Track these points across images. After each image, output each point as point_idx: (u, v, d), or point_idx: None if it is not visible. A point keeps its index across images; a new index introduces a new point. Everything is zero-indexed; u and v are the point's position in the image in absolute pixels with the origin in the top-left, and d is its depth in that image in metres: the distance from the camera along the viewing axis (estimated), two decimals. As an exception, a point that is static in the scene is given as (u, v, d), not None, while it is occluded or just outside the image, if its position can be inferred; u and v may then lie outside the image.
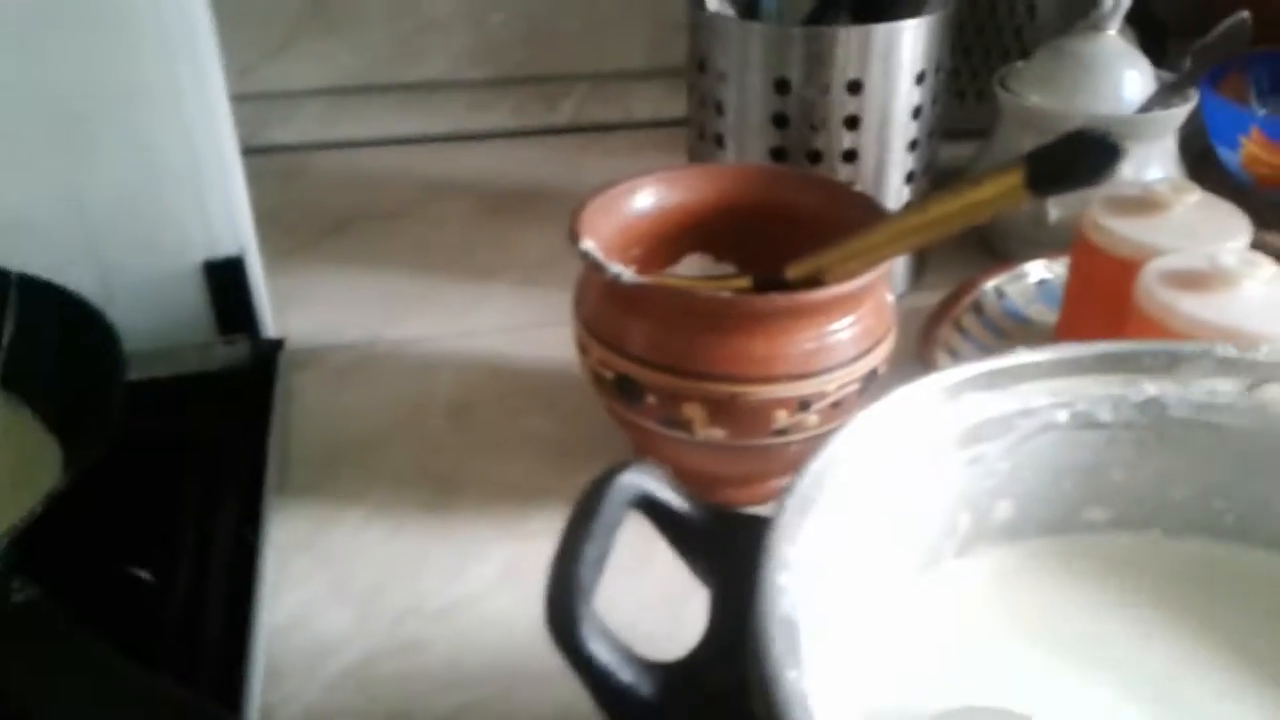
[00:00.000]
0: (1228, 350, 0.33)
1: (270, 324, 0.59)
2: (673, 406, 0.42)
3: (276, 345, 0.58)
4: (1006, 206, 0.35)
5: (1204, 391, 0.33)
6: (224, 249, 0.55)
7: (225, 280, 0.56)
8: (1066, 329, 0.53)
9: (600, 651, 0.23)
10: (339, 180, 0.79)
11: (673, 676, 0.24)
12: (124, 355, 0.44)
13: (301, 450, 0.51)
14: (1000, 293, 0.58)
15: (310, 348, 0.59)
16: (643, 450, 0.47)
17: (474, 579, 0.44)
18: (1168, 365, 0.33)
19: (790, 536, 0.26)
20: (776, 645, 0.23)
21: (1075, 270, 0.52)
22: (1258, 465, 0.33)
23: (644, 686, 0.24)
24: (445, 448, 0.51)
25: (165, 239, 0.54)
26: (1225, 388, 0.33)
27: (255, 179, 0.55)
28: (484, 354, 0.58)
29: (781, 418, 0.42)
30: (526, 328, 0.60)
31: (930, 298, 0.59)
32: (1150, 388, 0.33)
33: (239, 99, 0.53)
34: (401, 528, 0.47)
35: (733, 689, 0.24)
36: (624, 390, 0.44)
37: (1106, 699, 0.30)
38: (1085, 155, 0.32)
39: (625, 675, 0.24)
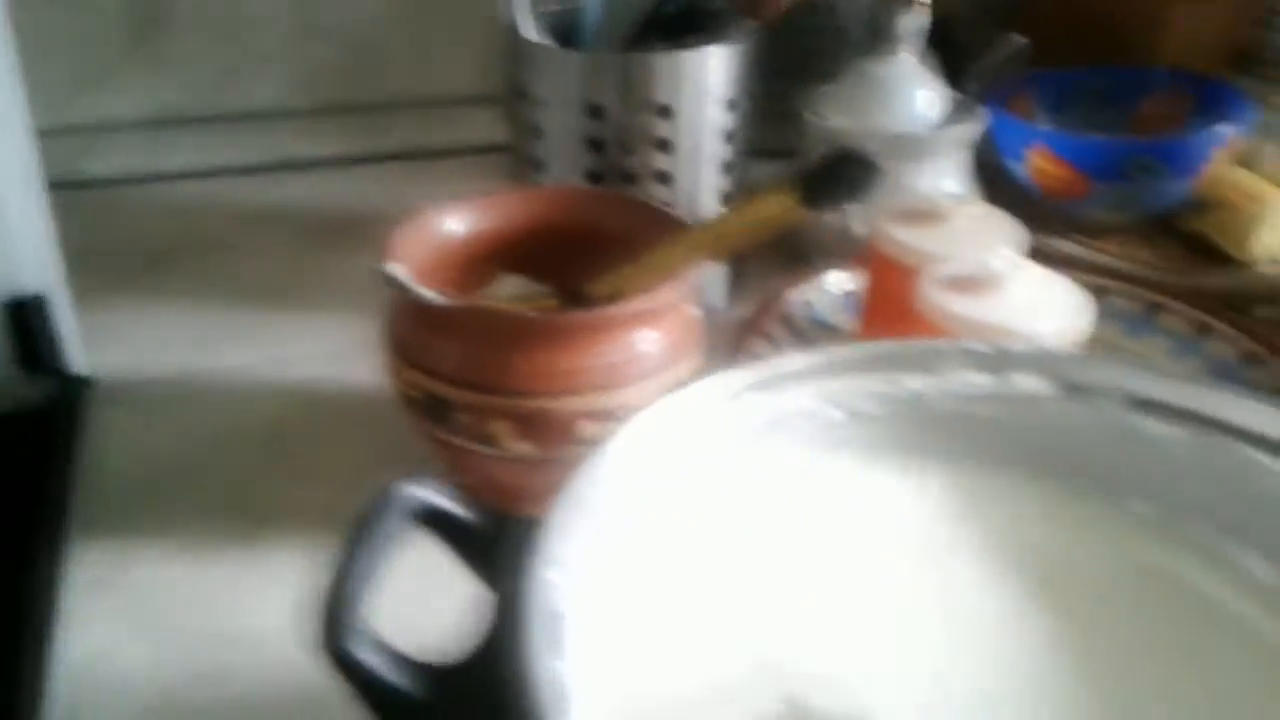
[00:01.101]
0: (978, 345, 0.36)
1: (80, 361, 0.57)
2: (481, 423, 0.43)
3: (84, 383, 0.56)
4: (785, 221, 0.37)
5: (960, 383, 0.36)
6: (27, 286, 0.54)
7: (28, 318, 0.54)
8: (864, 334, 0.56)
9: (367, 656, 0.24)
10: (158, 213, 0.77)
11: (447, 676, 0.25)
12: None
13: (109, 487, 0.50)
14: (808, 303, 0.61)
15: (122, 383, 0.57)
16: (455, 469, 0.47)
17: (278, 610, 0.44)
18: (927, 362, 0.36)
19: (563, 534, 0.28)
20: (535, 635, 0.24)
21: (869, 280, 0.55)
22: (1009, 451, 0.36)
23: (415, 687, 0.24)
24: (258, 478, 0.51)
25: (-38, 276, 0.52)
26: (979, 380, 0.36)
27: (70, 213, 0.54)
28: (301, 382, 0.58)
29: (587, 429, 0.44)
30: (345, 355, 0.60)
31: (747, 311, 0.61)
32: (912, 383, 0.36)
33: (54, 132, 0.53)
34: (209, 561, 0.46)
35: (503, 684, 0.25)
36: (433, 410, 0.44)
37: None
38: (847, 172, 0.34)
39: (394, 677, 0.24)
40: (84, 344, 0.58)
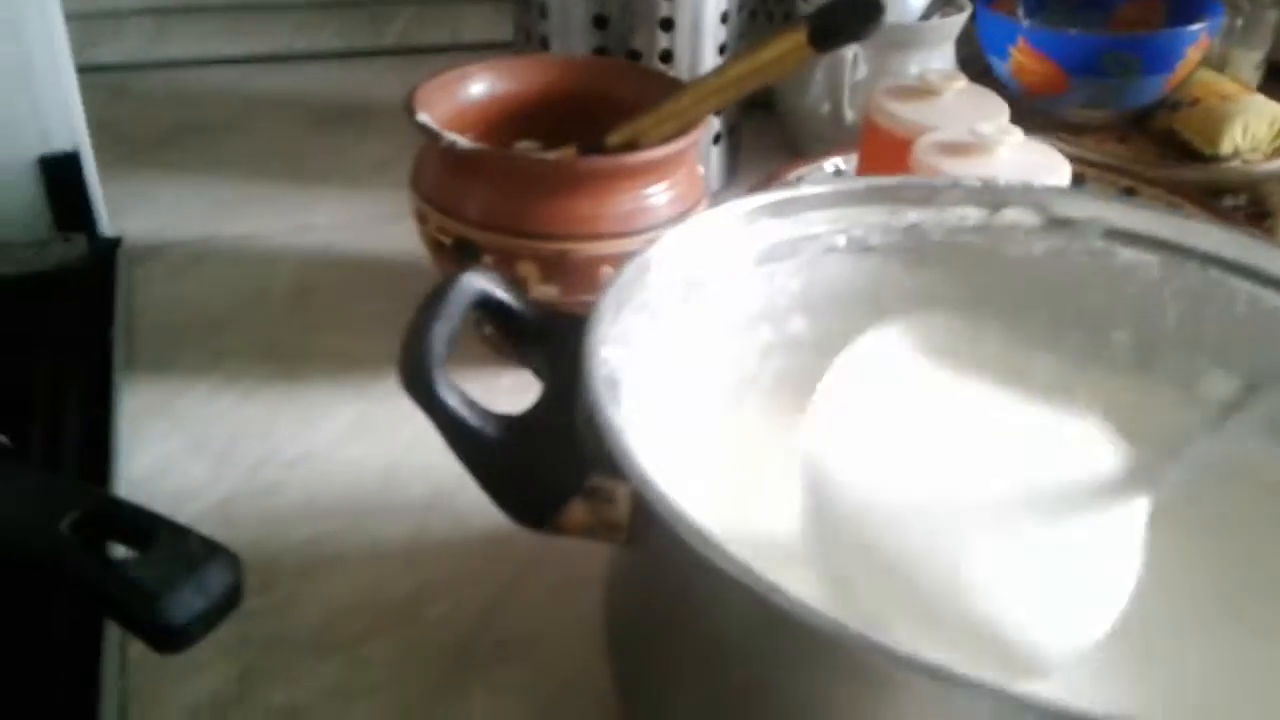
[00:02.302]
0: (972, 181, 0.39)
1: (106, 224, 0.60)
2: (509, 265, 0.46)
3: (115, 242, 0.59)
4: (794, 63, 0.40)
5: (956, 217, 0.39)
6: (59, 145, 0.56)
7: (61, 177, 0.56)
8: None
9: (450, 399, 0.27)
10: (165, 97, 0.79)
11: (513, 422, 0.28)
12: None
13: (146, 334, 0.53)
14: (801, 181, 0.64)
15: (147, 245, 0.60)
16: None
17: (324, 433, 0.47)
18: (925, 196, 0.39)
19: (610, 320, 0.31)
20: (598, 389, 0.28)
21: (864, 152, 0.58)
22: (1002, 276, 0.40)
23: (489, 428, 0.28)
24: (289, 326, 0.54)
25: (-2, 136, 0.55)
26: (972, 213, 0.39)
27: (82, 95, 0.56)
28: (321, 247, 0.61)
29: (607, 273, 0.47)
30: (364, 223, 0.63)
31: (741, 194, 0.64)
32: (912, 215, 0.39)
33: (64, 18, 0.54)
34: (250, 394, 0.49)
35: (563, 432, 0.28)
36: (462, 253, 0.47)
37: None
38: (855, 11, 0.37)
39: (473, 419, 0.28)
40: (108, 211, 0.60)
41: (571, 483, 0.27)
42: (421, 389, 0.27)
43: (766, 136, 0.73)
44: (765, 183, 0.63)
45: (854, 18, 0.37)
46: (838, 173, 0.65)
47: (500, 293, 0.32)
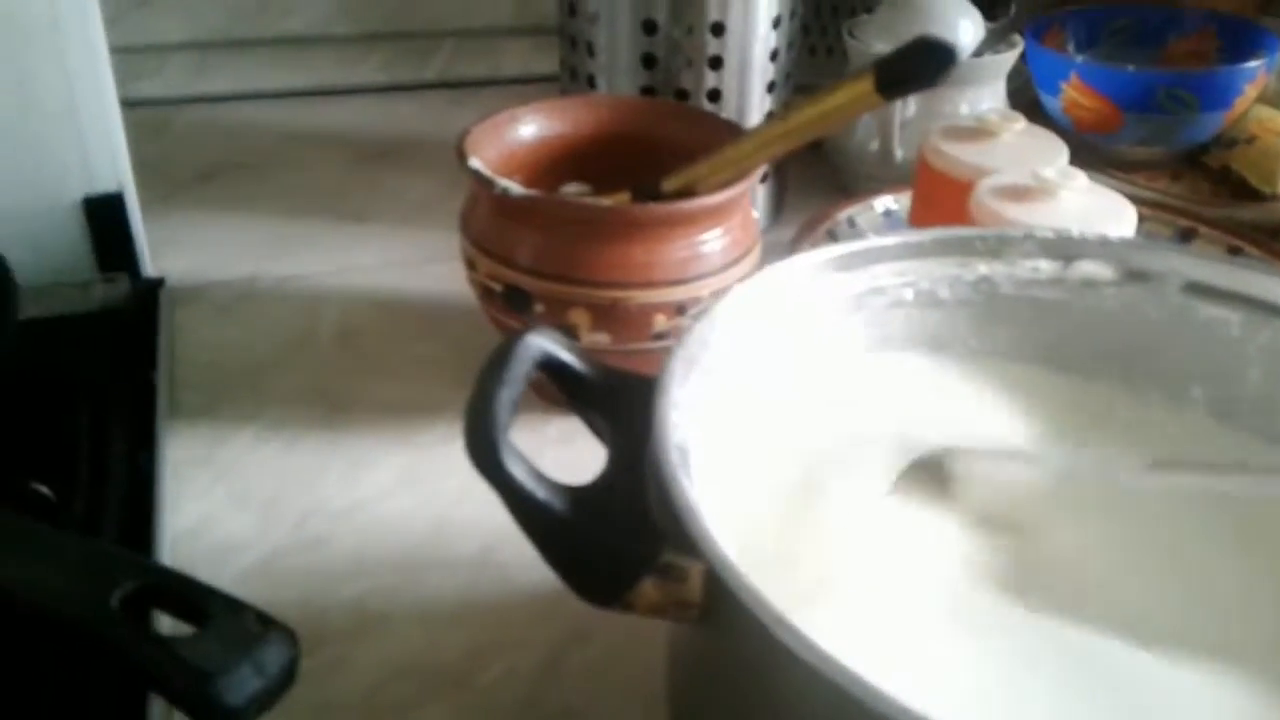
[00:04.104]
0: (1045, 232, 0.38)
1: (149, 265, 0.59)
2: (559, 313, 0.45)
3: (157, 283, 0.58)
4: (860, 110, 0.39)
5: (1028, 269, 0.38)
6: (103, 186, 0.56)
7: (105, 217, 0.56)
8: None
9: (518, 472, 0.26)
10: (207, 133, 0.79)
11: (581, 495, 0.27)
12: (13, 280, 0.44)
13: (189, 379, 0.52)
14: (852, 222, 0.63)
15: (191, 286, 0.59)
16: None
17: (371, 484, 0.46)
18: (996, 248, 0.38)
19: (680, 383, 0.30)
20: (673, 461, 0.27)
21: (918, 194, 0.57)
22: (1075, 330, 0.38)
23: (557, 503, 0.27)
24: (335, 371, 0.53)
25: (44, 175, 0.54)
26: (1045, 266, 0.38)
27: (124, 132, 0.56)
28: (368, 288, 0.60)
29: (660, 322, 0.46)
30: (409, 264, 0.62)
31: (789, 234, 0.63)
32: (982, 268, 0.38)
33: (106, 51, 0.54)
34: (296, 442, 0.48)
35: (632, 503, 0.27)
36: (512, 300, 0.46)
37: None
38: (925, 58, 0.36)
39: (540, 493, 0.26)
40: (150, 250, 0.59)
41: (643, 560, 0.26)
42: (489, 464, 0.26)
43: (813, 174, 0.72)
44: (814, 223, 0.62)
45: (926, 65, 0.36)
46: (888, 214, 0.64)
47: (564, 353, 0.31)
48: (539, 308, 0.46)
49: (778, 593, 0.23)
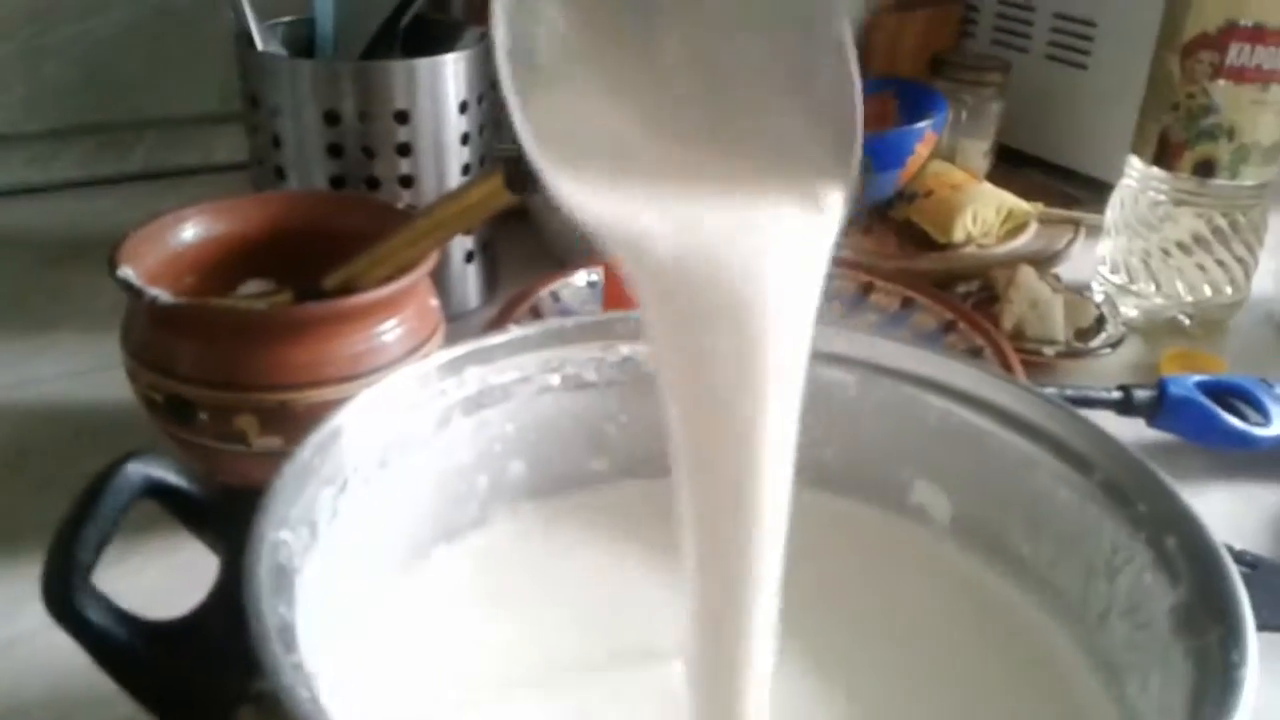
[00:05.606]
0: (679, 311, 0.40)
1: None
2: (225, 421, 0.44)
3: None
4: (496, 206, 0.40)
5: (665, 347, 0.40)
6: None
7: None
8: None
9: (95, 615, 0.25)
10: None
11: (173, 628, 0.26)
12: None
13: None
14: (555, 296, 0.64)
15: None
16: (209, 470, 0.48)
17: (33, 616, 0.43)
18: (637, 329, 0.39)
19: (289, 499, 0.30)
20: (265, 585, 0.26)
21: (608, 268, 0.59)
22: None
23: (139, 643, 0.26)
24: (4, 494, 0.50)
25: None
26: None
27: None
28: (43, 402, 0.57)
29: (334, 419, 0.45)
30: (89, 372, 0.59)
31: (496, 310, 0.64)
32: (624, 349, 0.39)
33: None
34: (-50, 578, 0.45)
35: (232, 629, 0.27)
36: (176, 411, 0.45)
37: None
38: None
39: (121, 634, 0.26)
40: None
41: (238, 689, 0.25)
42: (61, 610, 0.25)
43: (526, 247, 0.73)
44: (518, 300, 0.63)
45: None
46: (591, 285, 0.66)
47: (172, 476, 0.30)
48: (203, 416, 0.44)
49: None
